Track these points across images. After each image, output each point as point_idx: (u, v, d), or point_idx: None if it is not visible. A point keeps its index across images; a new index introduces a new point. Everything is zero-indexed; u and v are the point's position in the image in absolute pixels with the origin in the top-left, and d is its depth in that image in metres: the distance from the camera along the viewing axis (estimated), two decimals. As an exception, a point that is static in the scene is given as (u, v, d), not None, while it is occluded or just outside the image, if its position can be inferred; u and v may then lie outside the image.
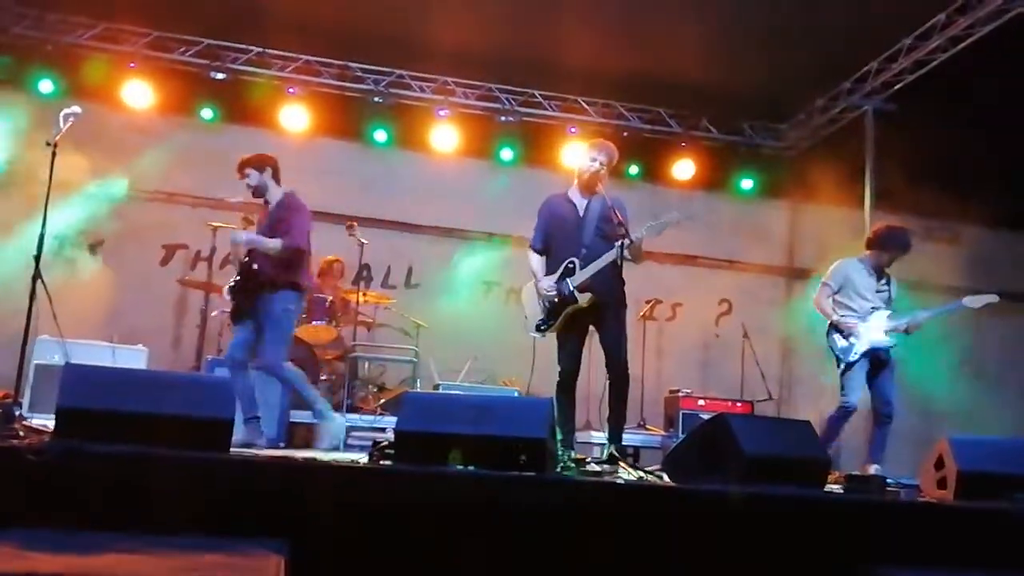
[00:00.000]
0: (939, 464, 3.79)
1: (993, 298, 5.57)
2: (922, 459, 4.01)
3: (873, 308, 5.60)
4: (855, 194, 7.83)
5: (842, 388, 5.55)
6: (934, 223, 8.72)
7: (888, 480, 4.10)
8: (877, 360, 5.54)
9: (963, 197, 7.77)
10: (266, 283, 4.94)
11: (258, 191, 5.20)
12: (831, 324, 5.61)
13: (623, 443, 4.79)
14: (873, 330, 5.51)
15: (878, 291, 5.67)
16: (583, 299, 4.74)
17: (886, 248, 5.67)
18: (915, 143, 7.05)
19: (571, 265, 4.82)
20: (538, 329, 4.93)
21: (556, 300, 4.81)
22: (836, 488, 3.96)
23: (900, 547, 3.16)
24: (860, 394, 5.51)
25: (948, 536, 3.22)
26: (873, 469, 5.22)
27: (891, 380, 5.58)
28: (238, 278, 5.06)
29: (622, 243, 4.51)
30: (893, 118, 7.65)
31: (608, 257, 4.61)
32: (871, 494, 3.72)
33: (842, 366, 5.54)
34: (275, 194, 5.20)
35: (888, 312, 5.59)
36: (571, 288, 4.78)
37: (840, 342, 5.56)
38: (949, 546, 3.18)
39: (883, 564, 3.00)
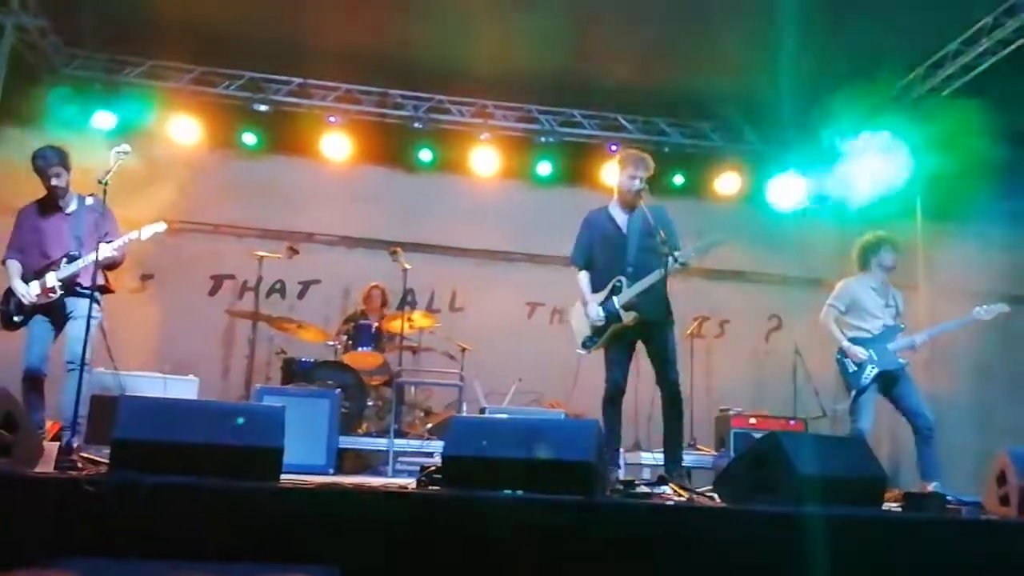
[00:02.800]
0: (1001, 479, 3.66)
1: (1004, 308, 5.48)
2: (984, 474, 3.88)
3: (884, 326, 5.49)
4: (905, 204, 7.67)
5: (851, 413, 5.44)
6: (991, 229, 8.47)
7: (949, 497, 3.97)
8: (890, 379, 5.42)
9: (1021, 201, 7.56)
10: None
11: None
12: (840, 349, 5.51)
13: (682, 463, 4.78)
14: (883, 353, 5.40)
15: (887, 306, 5.59)
16: (627, 317, 4.73)
17: (875, 252, 5.62)
18: (966, 147, 6.88)
19: (618, 284, 4.83)
20: (583, 346, 4.94)
21: (604, 324, 4.82)
22: (894, 507, 3.84)
23: (962, 567, 3.05)
24: (872, 419, 5.40)
25: (1013, 554, 3.11)
26: (932, 487, 5.07)
27: (913, 391, 5.44)
28: None
29: (666, 261, 4.49)
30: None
31: (655, 276, 4.60)
32: (930, 512, 3.61)
33: (853, 392, 5.41)
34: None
35: (898, 330, 5.49)
36: (616, 307, 4.78)
37: (851, 367, 5.46)
38: (1014, 565, 3.06)
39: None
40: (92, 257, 5.04)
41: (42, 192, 5.22)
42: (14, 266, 5.19)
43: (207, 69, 8.01)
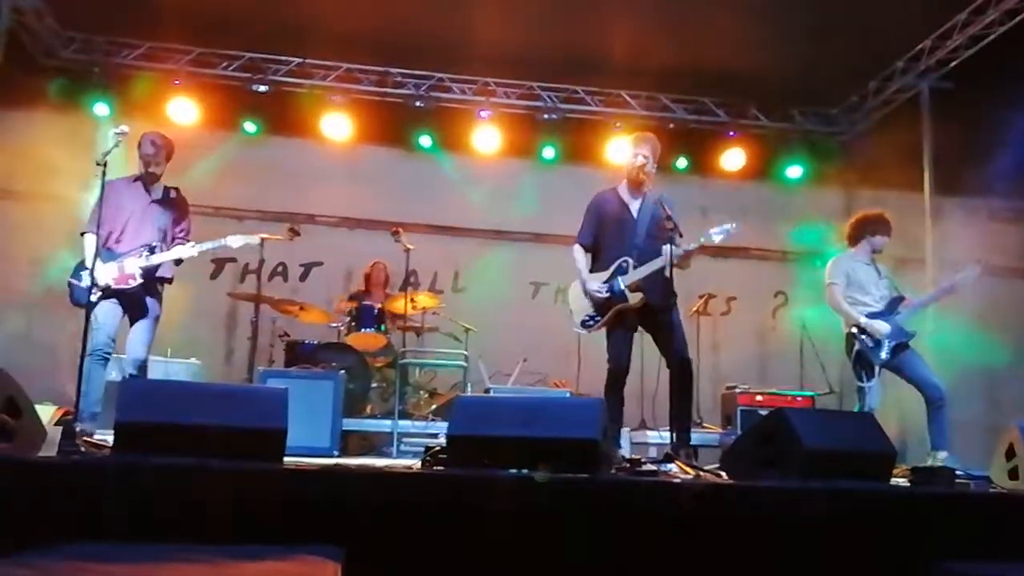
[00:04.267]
0: (1010, 453, 3.64)
1: (976, 269, 5.39)
2: (991, 449, 3.86)
3: (884, 298, 5.48)
4: (913, 177, 7.60)
5: (859, 390, 5.40)
6: (997, 203, 8.41)
7: (957, 471, 3.95)
8: (900, 351, 5.38)
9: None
10: None
11: None
12: (856, 325, 5.42)
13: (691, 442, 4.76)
14: (893, 326, 5.37)
15: (880, 279, 5.58)
16: (634, 298, 4.70)
17: (871, 235, 5.59)
18: (974, 121, 6.81)
19: (624, 264, 4.78)
20: (584, 325, 4.89)
21: (606, 297, 4.76)
22: (902, 481, 3.82)
23: (971, 541, 3.03)
24: (880, 394, 5.36)
25: (1022, 528, 3.08)
26: (942, 456, 5.05)
27: (922, 362, 5.40)
28: None
29: (671, 249, 4.45)
30: (950, 97, 7.41)
31: (662, 261, 4.55)
32: (939, 487, 3.58)
33: (875, 368, 5.34)
34: None
35: (900, 300, 5.47)
36: (622, 286, 4.73)
37: (870, 343, 5.38)
38: (1022, 538, 3.04)
39: (953, 560, 2.87)
40: (177, 253, 5.05)
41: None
42: (92, 241, 4.74)
43: (206, 50, 7.94)
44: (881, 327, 5.35)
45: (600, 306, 4.81)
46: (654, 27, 7.21)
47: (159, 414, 3.37)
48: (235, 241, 5.35)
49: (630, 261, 4.77)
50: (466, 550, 2.84)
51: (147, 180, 5.20)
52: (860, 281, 5.55)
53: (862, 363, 5.41)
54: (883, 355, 5.31)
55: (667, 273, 4.47)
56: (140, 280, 5.00)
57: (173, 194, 5.30)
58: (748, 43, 7.23)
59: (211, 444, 3.22)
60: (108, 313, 4.95)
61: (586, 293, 4.87)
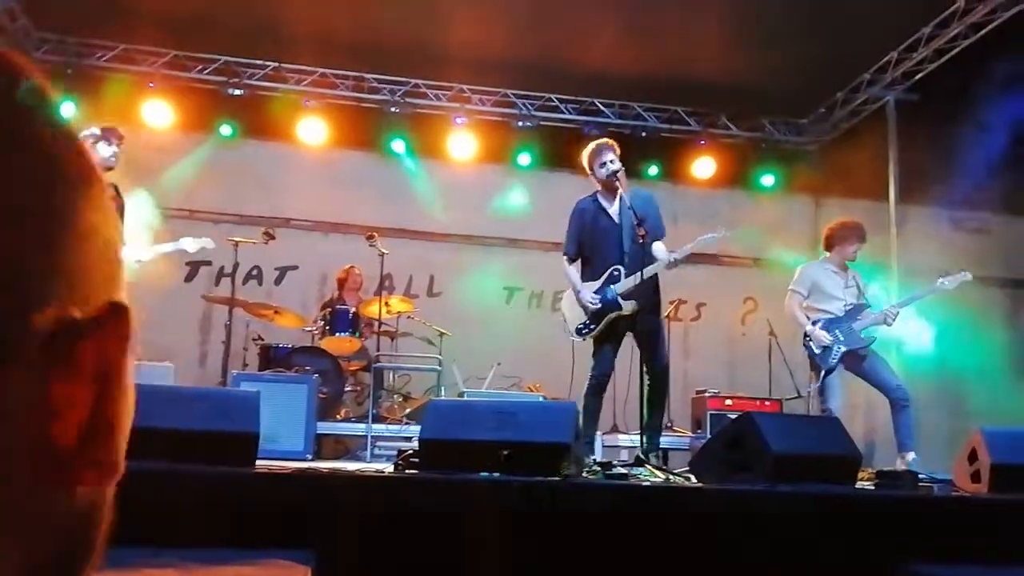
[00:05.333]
0: (972, 457, 3.72)
1: (966, 276, 5.54)
2: (954, 455, 3.95)
3: (846, 306, 5.59)
4: (880, 187, 7.75)
5: (820, 394, 5.54)
6: (962, 213, 8.59)
7: (921, 475, 4.04)
8: (858, 357, 5.50)
9: (991, 186, 7.65)
10: None
11: None
12: (806, 333, 5.59)
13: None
14: (848, 333, 5.48)
15: (847, 287, 5.68)
16: (628, 306, 4.75)
17: (845, 242, 5.70)
18: (939, 133, 6.95)
19: (616, 272, 4.84)
20: (579, 333, 4.94)
21: (600, 307, 4.82)
22: (867, 485, 3.90)
23: (934, 543, 3.10)
24: (841, 398, 5.51)
25: (984, 530, 3.16)
26: (910, 457, 5.16)
27: (883, 365, 5.54)
28: None
29: (673, 259, 4.56)
30: (916, 108, 7.56)
31: (656, 268, 4.64)
32: (903, 490, 3.66)
33: (822, 373, 5.49)
34: None
35: (863, 308, 5.58)
36: (615, 295, 4.78)
37: (817, 349, 5.53)
38: (985, 541, 3.12)
39: (917, 562, 2.94)
40: (135, 255, 4.98)
41: None
42: None
43: (180, 53, 7.91)
44: (823, 337, 5.47)
45: (594, 314, 4.87)
46: (627, 37, 7.29)
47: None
48: (190, 245, 5.32)
49: (622, 269, 4.82)
50: (438, 554, 2.86)
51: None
52: (825, 288, 5.67)
53: (812, 367, 5.58)
54: (831, 360, 5.45)
55: (655, 277, 4.57)
56: None
57: (116, 191, 5.22)
58: (720, 53, 7.32)
59: (183, 447, 3.22)
60: None
61: (580, 302, 4.93)
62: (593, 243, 4.98)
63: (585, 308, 4.88)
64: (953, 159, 6.98)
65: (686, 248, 4.68)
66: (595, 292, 4.86)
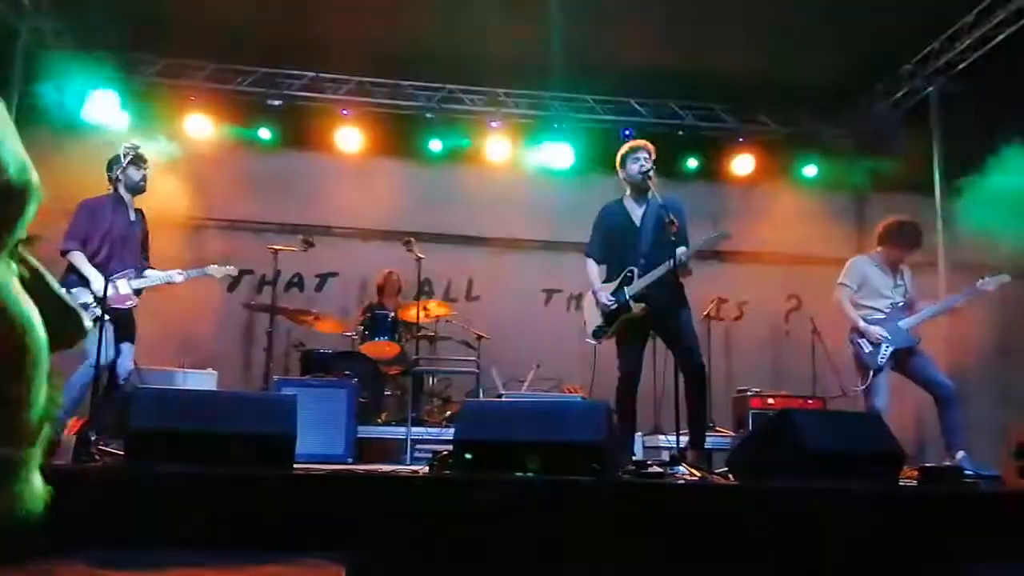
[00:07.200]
0: (1020, 452, 3.63)
1: (1005, 278, 5.36)
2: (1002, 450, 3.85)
3: (893, 305, 5.45)
4: (924, 180, 7.57)
5: (867, 392, 5.40)
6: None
7: (968, 471, 3.94)
8: (905, 356, 5.38)
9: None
10: None
11: None
12: (855, 329, 5.46)
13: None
14: (895, 332, 5.36)
15: (895, 285, 5.56)
16: (636, 308, 4.82)
17: (898, 244, 5.56)
18: (986, 123, 6.77)
19: (629, 274, 4.92)
20: (595, 335, 5.02)
21: (613, 309, 4.87)
22: (911, 482, 3.81)
23: (982, 541, 3.02)
24: (888, 397, 5.35)
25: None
26: (959, 456, 5.02)
27: (928, 363, 5.40)
28: None
29: (674, 258, 4.51)
30: (961, 99, 7.38)
31: (663, 268, 4.65)
32: (946, 486, 3.58)
33: (870, 372, 5.36)
34: None
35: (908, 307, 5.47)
36: (627, 297, 4.84)
37: (867, 347, 5.40)
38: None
39: (967, 560, 2.87)
40: (169, 277, 5.21)
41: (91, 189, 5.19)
42: (82, 258, 4.82)
43: (220, 66, 8.06)
44: (878, 334, 5.35)
45: (609, 316, 4.92)
46: (663, 35, 7.24)
47: (172, 421, 3.44)
48: (216, 272, 5.54)
49: (635, 271, 4.90)
50: (470, 553, 2.87)
51: (131, 199, 5.27)
52: (874, 286, 5.55)
53: (859, 366, 5.44)
54: (879, 360, 5.32)
55: (673, 275, 4.55)
56: (136, 301, 5.14)
57: (142, 215, 5.38)
58: (756, 48, 7.25)
59: (222, 450, 3.29)
60: (109, 333, 4.90)
61: (597, 302, 4.98)
62: (614, 246, 5.06)
63: (601, 309, 4.93)
64: (1000, 148, 6.79)
65: (685, 254, 4.66)
66: (611, 294, 4.91)
